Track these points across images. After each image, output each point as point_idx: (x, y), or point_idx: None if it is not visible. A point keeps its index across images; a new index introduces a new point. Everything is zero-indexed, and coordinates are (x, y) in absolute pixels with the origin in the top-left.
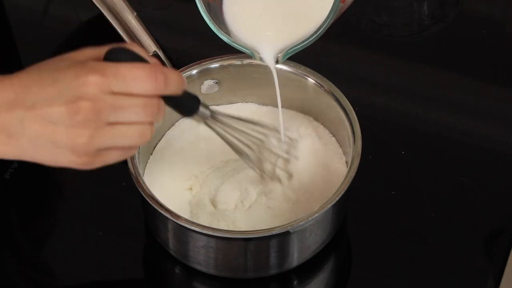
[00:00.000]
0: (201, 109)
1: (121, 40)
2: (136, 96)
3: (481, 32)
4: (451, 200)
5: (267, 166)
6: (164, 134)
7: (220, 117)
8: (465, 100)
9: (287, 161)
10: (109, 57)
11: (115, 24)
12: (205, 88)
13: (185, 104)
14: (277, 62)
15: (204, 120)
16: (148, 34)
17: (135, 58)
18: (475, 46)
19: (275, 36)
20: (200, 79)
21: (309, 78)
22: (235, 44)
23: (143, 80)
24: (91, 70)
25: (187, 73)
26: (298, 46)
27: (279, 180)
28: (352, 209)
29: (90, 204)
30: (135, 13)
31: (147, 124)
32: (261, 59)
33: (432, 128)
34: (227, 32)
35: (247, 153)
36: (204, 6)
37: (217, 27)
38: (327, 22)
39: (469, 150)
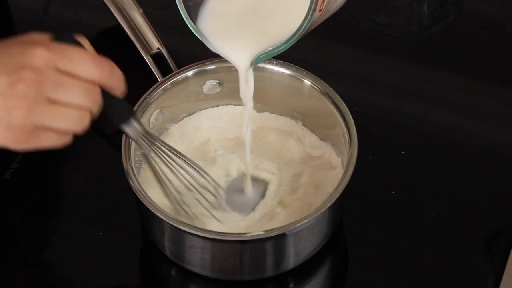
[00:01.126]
0: (134, 122)
1: (123, 39)
2: (79, 78)
3: (481, 32)
4: (451, 200)
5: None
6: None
7: (153, 141)
8: (465, 100)
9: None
10: (56, 39)
11: (120, 20)
12: (207, 88)
13: (119, 110)
14: (251, 66)
15: (136, 137)
16: (153, 31)
17: (81, 46)
18: (475, 46)
19: (248, 40)
20: (201, 79)
21: (305, 80)
22: (208, 44)
23: (90, 64)
24: (39, 45)
25: (187, 73)
26: (271, 52)
27: (194, 217)
28: (351, 210)
29: (90, 204)
30: (141, 10)
31: (85, 111)
32: (233, 62)
33: (432, 128)
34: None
35: (167, 185)
36: (183, 5)
37: (194, 26)
38: (300, 30)
39: (469, 150)
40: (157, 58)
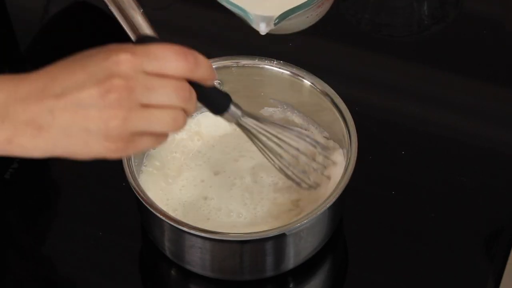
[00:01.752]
0: (232, 107)
1: (123, 39)
2: (167, 77)
3: (481, 32)
4: (451, 200)
5: (301, 173)
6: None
7: (252, 119)
8: (465, 100)
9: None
10: (138, 41)
11: (120, 19)
12: None
13: (216, 99)
14: (274, 24)
15: (236, 120)
16: (154, 31)
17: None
18: (475, 46)
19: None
20: None
21: (305, 80)
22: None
23: (174, 58)
24: (122, 50)
25: None
26: (294, 10)
27: (316, 186)
28: (351, 210)
29: (90, 204)
30: (141, 10)
31: (179, 110)
32: (252, 20)
33: (432, 128)
34: None
35: (281, 157)
36: None
37: None
38: None
39: (469, 150)
40: None
